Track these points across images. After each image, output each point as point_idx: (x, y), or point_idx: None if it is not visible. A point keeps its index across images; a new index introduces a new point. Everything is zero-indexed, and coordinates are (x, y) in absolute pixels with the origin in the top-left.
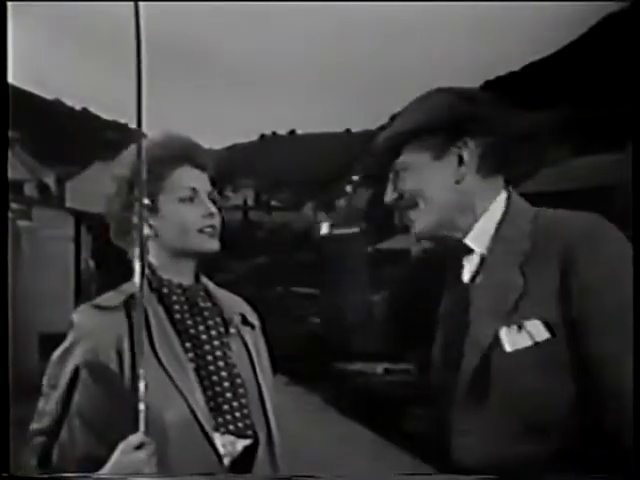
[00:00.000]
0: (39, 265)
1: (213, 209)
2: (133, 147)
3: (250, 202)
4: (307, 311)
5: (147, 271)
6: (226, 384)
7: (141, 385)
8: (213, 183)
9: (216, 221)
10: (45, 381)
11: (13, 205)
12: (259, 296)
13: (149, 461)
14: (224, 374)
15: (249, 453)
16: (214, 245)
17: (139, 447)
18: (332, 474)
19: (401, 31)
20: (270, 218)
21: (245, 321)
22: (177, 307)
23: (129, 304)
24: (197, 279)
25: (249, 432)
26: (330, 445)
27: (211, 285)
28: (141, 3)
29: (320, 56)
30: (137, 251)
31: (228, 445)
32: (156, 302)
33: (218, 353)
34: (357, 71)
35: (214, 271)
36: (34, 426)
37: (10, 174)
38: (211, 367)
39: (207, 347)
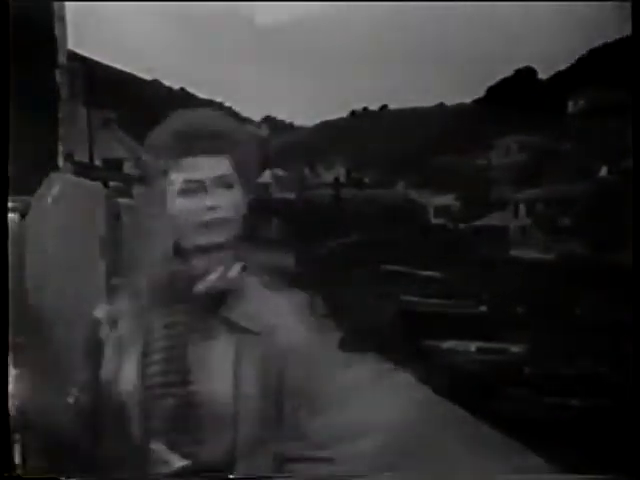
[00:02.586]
0: (139, 241)
1: (209, 202)
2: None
3: (342, 179)
4: (399, 289)
5: None
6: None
7: None
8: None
9: (218, 213)
10: None
11: (112, 183)
12: (350, 273)
13: None
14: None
15: None
16: (213, 239)
17: None
18: (422, 453)
19: (496, 9)
20: (362, 195)
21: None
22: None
23: None
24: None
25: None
26: (421, 423)
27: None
28: None
29: (413, 30)
30: None
31: None
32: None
33: None
34: (451, 44)
35: (305, 247)
36: None
37: (109, 153)
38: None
39: None
